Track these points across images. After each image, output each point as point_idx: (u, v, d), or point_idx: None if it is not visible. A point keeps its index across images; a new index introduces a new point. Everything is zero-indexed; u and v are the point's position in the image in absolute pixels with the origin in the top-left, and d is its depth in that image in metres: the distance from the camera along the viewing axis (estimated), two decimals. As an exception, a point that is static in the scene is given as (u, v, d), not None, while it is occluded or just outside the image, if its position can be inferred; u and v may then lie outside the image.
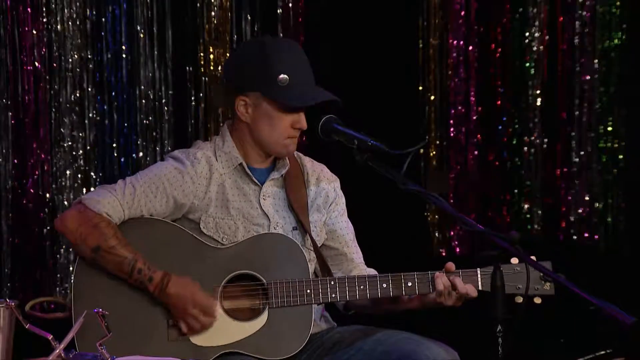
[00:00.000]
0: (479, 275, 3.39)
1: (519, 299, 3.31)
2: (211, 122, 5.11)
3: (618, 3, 5.22)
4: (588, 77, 5.25)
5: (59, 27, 4.93)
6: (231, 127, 3.53)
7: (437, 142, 5.33)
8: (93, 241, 3.32)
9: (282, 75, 3.39)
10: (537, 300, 3.39)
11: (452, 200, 5.30)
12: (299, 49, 3.51)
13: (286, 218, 3.51)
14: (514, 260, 3.36)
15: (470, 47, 5.31)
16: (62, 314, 3.40)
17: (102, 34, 4.98)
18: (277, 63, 3.41)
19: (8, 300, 2.93)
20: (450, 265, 3.41)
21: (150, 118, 5.04)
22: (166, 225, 3.42)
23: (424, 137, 5.30)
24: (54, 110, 4.94)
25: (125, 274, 3.32)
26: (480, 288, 3.38)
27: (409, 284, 3.39)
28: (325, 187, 3.60)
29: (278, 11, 5.14)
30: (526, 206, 5.31)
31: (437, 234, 5.35)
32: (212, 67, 5.11)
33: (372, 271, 3.60)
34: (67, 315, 3.34)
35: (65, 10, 4.93)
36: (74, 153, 4.96)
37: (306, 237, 3.52)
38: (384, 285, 3.39)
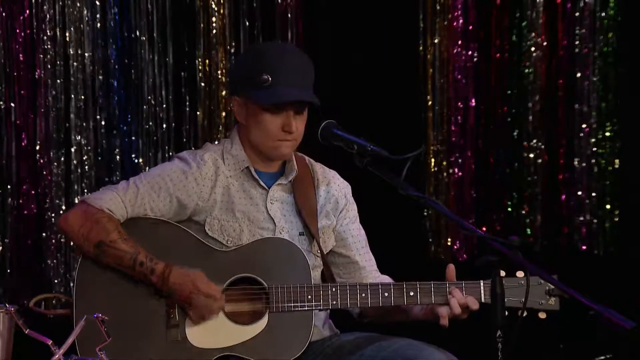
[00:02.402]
0: (482, 288, 3.38)
1: (524, 313, 3.30)
2: (211, 128, 5.12)
3: (617, 8, 5.22)
4: (587, 83, 5.25)
5: (60, 32, 4.93)
6: (239, 130, 3.54)
7: (437, 146, 5.33)
8: (95, 237, 3.33)
9: (263, 76, 3.39)
10: (542, 315, 3.38)
11: (451, 205, 5.29)
12: (294, 52, 3.49)
13: (293, 223, 3.51)
14: (519, 274, 3.35)
15: (470, 52, 5.31)
16: (64, 310, 3.41)
17: (104, 39, 4.99)
18: (261, 63, 3.41)
19: (7, 305, 2.93)
20: (451, 269, 3.40)
21: (150, 123, 5.04)
22: (170, 227, 3.42)
23: (423, 142, 5.30)
24: (54, 114, 4.94)
25: (128, 268, 3.33)
26: (483, 300, 3.37)
27: (411, 293, 3.38)
28: (335, 193, 3.59)
29: (276, 17, 5.15)
30: (526, 211, 5.31)
31: (435, 240, 5.35)
32: (211, 73, 5.12)
33: (386, 278, 3.59)
34: (69, 313, 3.35)
35: (67, 15, 4.93)
36: (75, 157, 4.96)
37: (313, 243, 3.52)
38: (386, 294, 3.38)
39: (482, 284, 3.38)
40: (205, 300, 3.31)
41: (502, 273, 3.05)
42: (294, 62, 3.44)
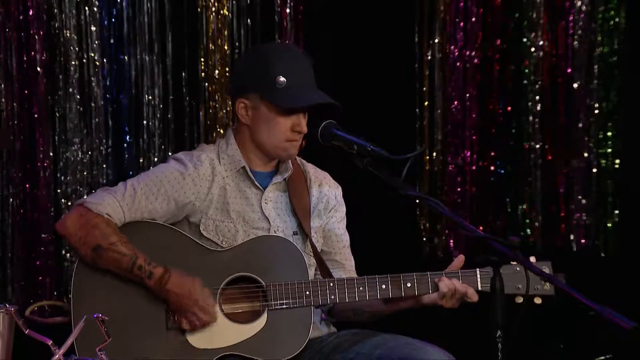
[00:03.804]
0: (478, 276, 3.39)
1: (519, 299, 3.32)
2: (211, 128, 5.12)
3: (617, 8, 5.22)
4: (587, 82, 5.25)
5: (61, 32, 4.93)
6: (235, 131, 3.55)
7: (436, 147, 5.33)
8: (93, 240, 3.33)
9: (279, 78, 3.41)
10: (538, 301, 3.39)
11: (450, 206, 5.29)
12: (301, 54, 3.53)
13: (287, 222, 3.52)
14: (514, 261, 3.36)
15: (469, 52, 5.31)
16: (61, 318, 3.40)
17: (104, 38, 4.99)
18: (275, 66, 3.43)
19: (8, 305, 2.93)
20: (460, 259, 3.40)
21: (150, 123, 5.04)
22: (165, 229, 3.42)
23: (422, 142, 5.30)
24: (57, 115, 4.94)
25: (126, 271, 3.32)
26: (479, 288, 3.38)
27: (408, 284, 3.39)
28: (327, 193, 3.61)
29: (276, 17, 5.15)
30: (525, 211, 5.31)
31: (430, 239, 5.35)
32: (211, 72, 5.12)
33: None
34: (67, 321, 3.35)
35: (68, 16, 4.93)
36: (76, 158, 4.96)
37: (306, 242, 3.53)
38: (383, 286, 3.39)
39: (478, 272, 3.39)
40: (199, 313, 3.32)
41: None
42: (304, 63, 3.48)
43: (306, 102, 3.42)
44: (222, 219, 3.46)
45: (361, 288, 3.39)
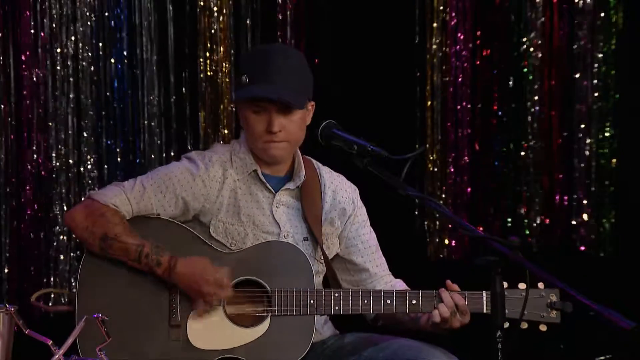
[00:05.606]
0: (484, 298, 3.39)
1: (524, 325, 3.32)
2: (212, 128, 5.12)
3: (616, 8, 5.22)
4: (586, 83, 5.25)
5: (60, 32, 4.93)
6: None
7: (435, 146, 5.33)
8: (100, 230, 3.33)
9: (243, 76, 3.42)
10: (543, 328, 3.39)
11: (449, 206, 5.29)
12: (280, 53, 3.46)
13: (298, 228, 3.50)
14: (521, 286, 3.36)
15: (468, 52, 5.31)
16: (66, 306, 3.41)
17: (104, 39, 4.99)
18: (244, 65, 3.47)
19: (8, 305, 2.93)
20: (451, 284, 3.40)
21: (152, 123, 5.04)
22: (175, 227, 3.43)
23: (422, 142, 5.30)
24: (55, 114, 4.94)
25: (133, 261, 3.33)
26: (484, 311, 3.37)
27: (413, 301, 3.38)
28: (341, 200, 3.59)
29: (278, 16, 5.15)
30: (523, 211, 5.31)
31: (432, 239, 5.35)
32: (212, 73, 5.11)
33: (400, 282, 3.61)
34: (71, 309, 3.35)
35: (67, 15, 4.94)
36: (76, 157, 4.96)
37: (317, 248, 3.52)
38: (388, 301, 3.38)
39: (484, 294, 3.38)
40: (214, 288, 3.31)
41: (505, 284, 3.04)
42: (275, 62, 3.42)
43: (242, 95, 3.40)
44: (232, 222, 3.45)
45: (365, 301, 3.38)
